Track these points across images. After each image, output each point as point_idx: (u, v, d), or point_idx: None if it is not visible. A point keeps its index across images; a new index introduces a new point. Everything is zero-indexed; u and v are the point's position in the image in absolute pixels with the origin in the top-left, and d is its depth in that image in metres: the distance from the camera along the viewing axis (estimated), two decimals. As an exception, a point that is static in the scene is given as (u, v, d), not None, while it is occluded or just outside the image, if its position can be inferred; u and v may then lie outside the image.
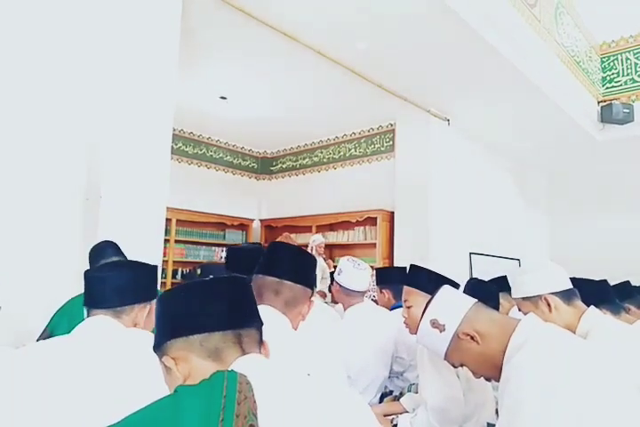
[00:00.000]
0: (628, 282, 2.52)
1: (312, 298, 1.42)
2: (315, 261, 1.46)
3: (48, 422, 0.99)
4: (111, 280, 1.30)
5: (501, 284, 2.76)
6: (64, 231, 2.41)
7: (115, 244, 2.13)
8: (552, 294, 1.61)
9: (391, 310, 2.76)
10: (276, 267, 1.35)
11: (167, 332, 0.85)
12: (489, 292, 2.20)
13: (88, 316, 1.29)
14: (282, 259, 1.37)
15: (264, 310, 1.27)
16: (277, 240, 5.11)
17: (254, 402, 0.68)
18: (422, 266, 1.93)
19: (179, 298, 0.86)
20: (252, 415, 0.66)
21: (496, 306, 2.20)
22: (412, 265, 1.95)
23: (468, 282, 2.32)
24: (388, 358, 2.46)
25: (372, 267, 5.16)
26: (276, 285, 1.33)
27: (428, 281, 1.77)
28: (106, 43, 2.56)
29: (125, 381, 1.09)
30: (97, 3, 2.59)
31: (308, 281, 1.39)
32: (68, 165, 2.47)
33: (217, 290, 0.86)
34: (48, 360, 1.10)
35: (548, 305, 1.60)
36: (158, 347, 0.86)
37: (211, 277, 0.91)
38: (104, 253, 2.07)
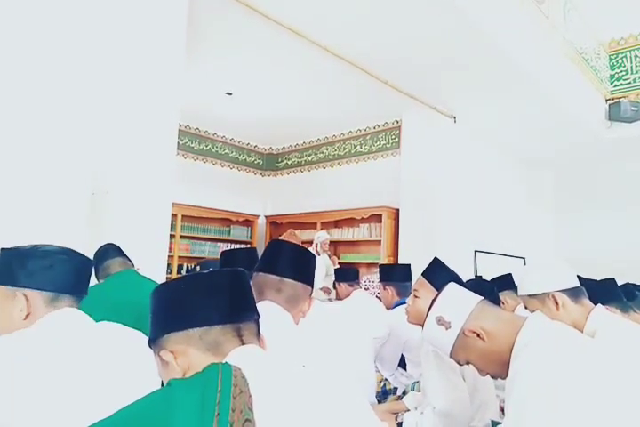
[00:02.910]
0: (629, 284, 2.50)
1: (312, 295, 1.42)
2: (314, 258, 1.46)
3: (46, 417, 0.99)
4: (84, 264, 1.22)
5: (506, 282, 2.76)
6: (70, 226, 2.41)
7: (116, 245, 2.14)
8: (560, 291, 1.60)
9: (394, 307, 2.76)
10: (276, 265, 1.35)
11: (165, 325, 0.83)
12: (488, 291, 2.18)
13: (52, 303, 1.15)
14: (282, 257, 1.37)
15: (267, 306, 1.28)
16: (282, 237, 5.12)
17: (250, 396, 0.67)
18: (445, 264, 1.92)
19: (177, 291, 0.85)
20: (248, 409, 0.66)
21: (496, 305, 2.18)
22: (435, 258, 1.95)
23: (466, 282, 2.30)
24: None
25: (376, 264, 5.20)
26: (278, 283, 1.33)
27: (443, 279, 1.75)
28: (112, 39, 2.56)
29: (121, 374, 1.09)
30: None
31: (309, 279, 1.39)
32: (74, 159, 2.47)
33: (217, 283, 0.85)
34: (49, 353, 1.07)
35: (556, 303, 1.59)
36: (154, 341, 0.84)
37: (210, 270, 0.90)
38: (107, 254, 2.09)
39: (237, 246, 6.50)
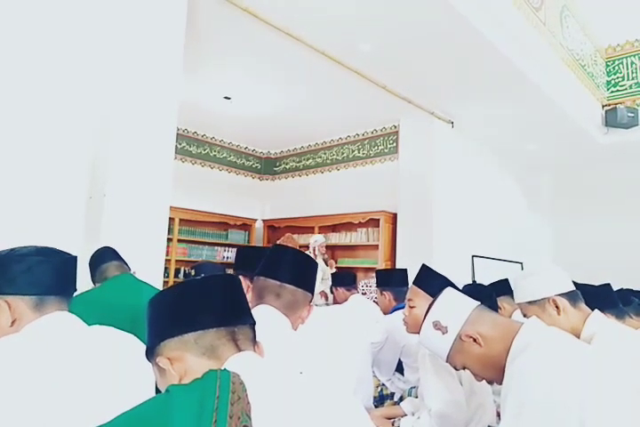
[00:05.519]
0: (625, 289, 2.49)
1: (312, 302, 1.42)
2: (316, 265, 1.45)
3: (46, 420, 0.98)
4: (65, 263, 1.19)
5: (503, 287, 2.75)
6: (67, 229, 2.41)
7: (113, 249, 2.13)
8: (559, 295, 1.57)
9: (391, 312, 2.75)
10: (277, 270, 1.34)
11: (160, 333, 0.84)
12: (486, 296, 2.17)
13: (38, 307, 1.12)
14: (284, 262, 1.36)
15: (265, 310, 1.27)
16: (280, 241, 5.11)
17: (248, 403, 0.67)
18: (433, 269, 1.93)
19: (171, 298, 0.86)
20: (246, 416, 0.65)
21: (494, 309, 2.18)
22: (423, 265, 1.96)
23: (464, 287, 2.30)
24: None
25: (373, 268, 5.19)
26: (278, 288, 1.32)
27: (435, 285, 1.76)
28: (111, 43, 2.57)
29: (119, 379, 1.08)
30: (103, 4, 2.60)
31: (309, 285, 1.38)
32: (72, 163, 2.47)
33: (209, 288, 0.86)
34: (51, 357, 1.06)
35: (557, 307, 1.55)
36: (152, 350, 0.85)
37: (202, 275, 0.91)
38: (103, 257, 2.08)
39: (235, 251, 6.50)
